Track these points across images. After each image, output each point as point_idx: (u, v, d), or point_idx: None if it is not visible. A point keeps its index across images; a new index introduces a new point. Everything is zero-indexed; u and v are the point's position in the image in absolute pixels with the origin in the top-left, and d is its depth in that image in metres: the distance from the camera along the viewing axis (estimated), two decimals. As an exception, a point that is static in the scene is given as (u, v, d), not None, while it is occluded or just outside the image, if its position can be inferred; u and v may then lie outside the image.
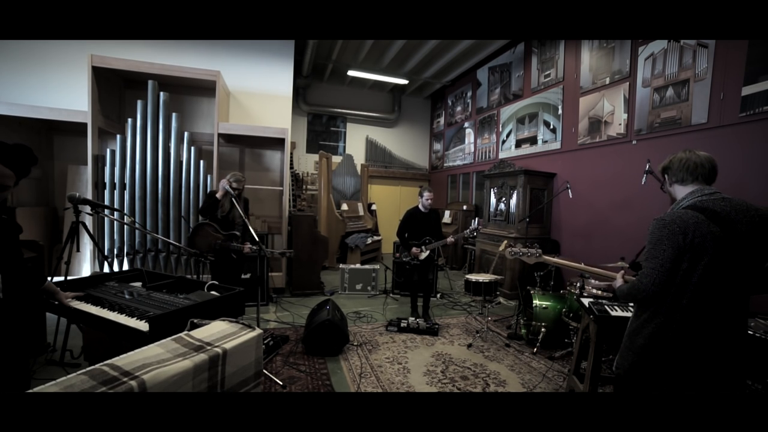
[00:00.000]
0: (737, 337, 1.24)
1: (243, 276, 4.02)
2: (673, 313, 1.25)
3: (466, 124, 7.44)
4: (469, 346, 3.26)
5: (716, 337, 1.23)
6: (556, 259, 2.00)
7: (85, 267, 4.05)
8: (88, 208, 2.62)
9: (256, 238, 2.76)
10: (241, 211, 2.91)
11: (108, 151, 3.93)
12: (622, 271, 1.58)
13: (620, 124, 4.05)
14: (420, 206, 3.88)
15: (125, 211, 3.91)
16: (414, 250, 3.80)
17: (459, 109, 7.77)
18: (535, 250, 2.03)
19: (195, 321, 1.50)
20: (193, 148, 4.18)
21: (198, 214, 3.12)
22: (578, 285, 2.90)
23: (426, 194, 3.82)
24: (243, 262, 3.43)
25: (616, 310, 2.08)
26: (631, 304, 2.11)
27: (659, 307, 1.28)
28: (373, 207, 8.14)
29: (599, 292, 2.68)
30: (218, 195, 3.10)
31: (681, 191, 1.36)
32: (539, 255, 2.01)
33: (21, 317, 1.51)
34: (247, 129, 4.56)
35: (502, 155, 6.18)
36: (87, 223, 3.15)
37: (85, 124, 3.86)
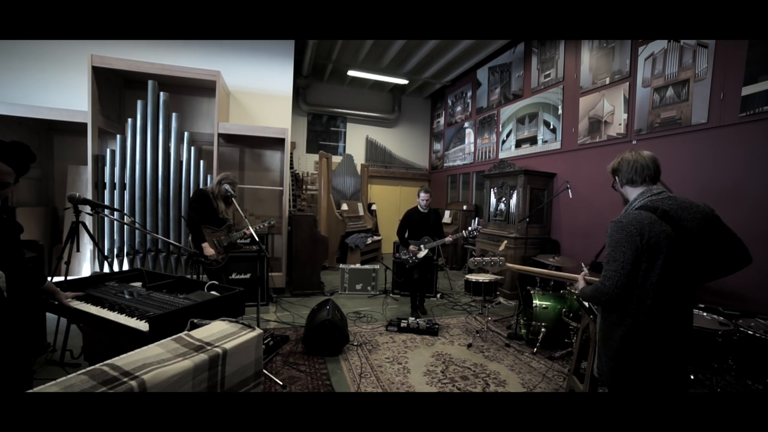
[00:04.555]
0: (689, 328, 1.32)
1: (236, 276, 4.02)
2: (639, 314, 1.28)
3: (466, 124, 7.44)
4: (469, 346, 3.26)
5: (677, 332, 1.29)
6: (517, 266, 2.11)
7: (85, 267, 4.05)
8: (88, 208, 2.62)
9: (256, 238, 2.77)
10: (242, 213, 2.90)
11: (108, 151, 3.93)
12: (583, 273, 1.61)
13: (620, 124, 4.05)
14: (418, 206, 3.99)
15: (125, 211, 3.91)
16: (412, 247, 3.88)
17: (459, 109, 7.77)
18: (498, 258, 2.13)
19: (195, 321, 1.50)
20: (193, 148, 4.18)
21: (188, 220, 2.97)
22: (578, 285, 2.90)
23: (423, 195, 3.97)
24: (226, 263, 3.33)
25: (616, 310, 2.08)
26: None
27: (625, 309, 1.30)
28: (373, 207, 8.14)
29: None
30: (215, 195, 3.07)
31: (632, 192, 1.40)
32: (502, 263, 2.10)
33: (24, 316, 1.51)
34: (247, 129, 4.56)
35: (502, 155, 6.18)
36: (87, 223, 3.15)
37: (85, 124, 3.86)
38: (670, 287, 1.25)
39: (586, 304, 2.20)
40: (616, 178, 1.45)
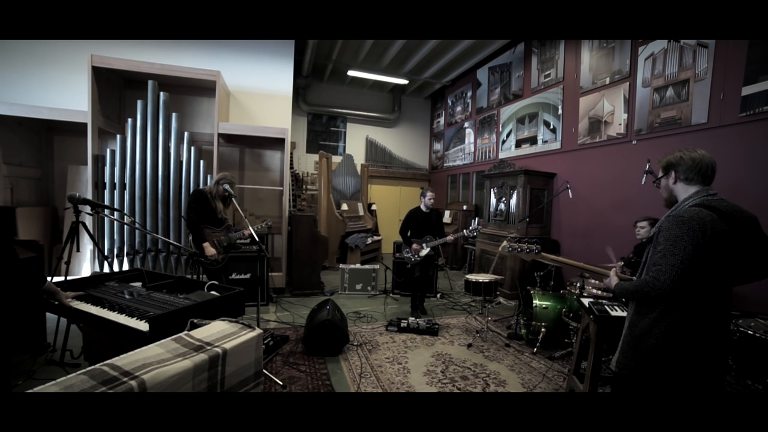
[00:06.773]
0: (728, 330, 1.32)
1: (236, 276, 4.02)
2: (686, 310, 1.25)
3: (466, 124, 7.44)
4: (469, 346, 3.26)
5: (722, 333, 1.27)
6: (553, 257, 1.97)
7: (85, 267, 4.05)
8: (88, 208, 2.62)
9: (256, 238, 2.77)
10: (242, 213, 2.90)
11: (108, 151, 3.92)
12: (615, 269, 1.58)
13: (620, 124, 4.05)
14: (422, 206, 4.04)
15: (125, 211, 3.91)
16: (415, 245, 3.94)
17: (459, 109, 7.77)
18: (534, 246, 2.00)
19: (195, 321, 1.50)
20: (193, 148, 4.18)
21: (188, 221, 2.98)
22: (578, 285, 2.90)
23: (429, 194, 4.02)
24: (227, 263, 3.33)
25: (616, 310, 2.08)
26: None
27: (670, 305, 1.27)
28: (373, 207, 8.14)
29: (599, 292, 2.69)
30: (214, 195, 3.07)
31: (684, 190, 1.37)
32: (538, 251, 1.98)
33: (10, 318, 1.50)
34: (247, 129, 4.56)
35: (502, 155, 6.18)
36: (87, 223, 3.15)
37: (85, 124, 3.86)
38: (718, 287, 1.25)
39: (587, 303, 2.20)
40: (672, 173, 1.39)
